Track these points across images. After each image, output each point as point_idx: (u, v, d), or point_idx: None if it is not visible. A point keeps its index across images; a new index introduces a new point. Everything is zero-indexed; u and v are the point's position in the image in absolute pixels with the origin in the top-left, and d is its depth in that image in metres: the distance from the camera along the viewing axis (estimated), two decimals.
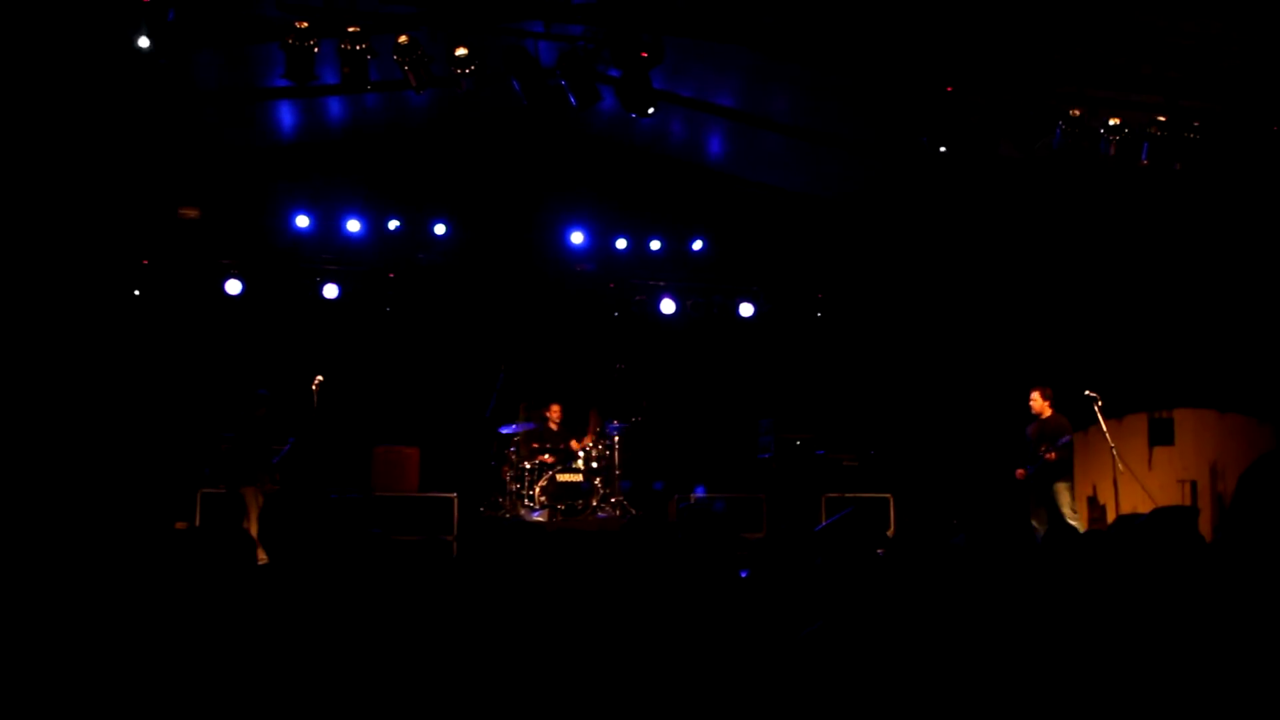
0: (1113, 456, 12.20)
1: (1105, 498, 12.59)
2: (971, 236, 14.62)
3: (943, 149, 10.42)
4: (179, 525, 12.15)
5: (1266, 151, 10.76)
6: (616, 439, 14.20)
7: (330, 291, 14.51)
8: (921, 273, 15.41)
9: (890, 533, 13.50)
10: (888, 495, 13.84)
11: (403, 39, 9.55)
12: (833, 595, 4.46)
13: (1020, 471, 12.51)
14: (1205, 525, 12.56)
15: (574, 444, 14.19)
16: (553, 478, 13.83)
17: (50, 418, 12.01)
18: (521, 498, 13.71)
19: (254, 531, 11.71)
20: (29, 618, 3.84)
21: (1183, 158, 10.72)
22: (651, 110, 10.28)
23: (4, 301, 11.76)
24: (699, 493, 14.52)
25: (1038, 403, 12.64)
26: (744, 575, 4.92)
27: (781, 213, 15.37)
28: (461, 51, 9.74)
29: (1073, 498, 12.49)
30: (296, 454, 12.52)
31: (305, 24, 9.23)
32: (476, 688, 3.60)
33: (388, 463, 13.27)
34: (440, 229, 14.71)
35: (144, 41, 8.84)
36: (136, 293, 13.70)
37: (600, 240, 15.25)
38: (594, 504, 13.85)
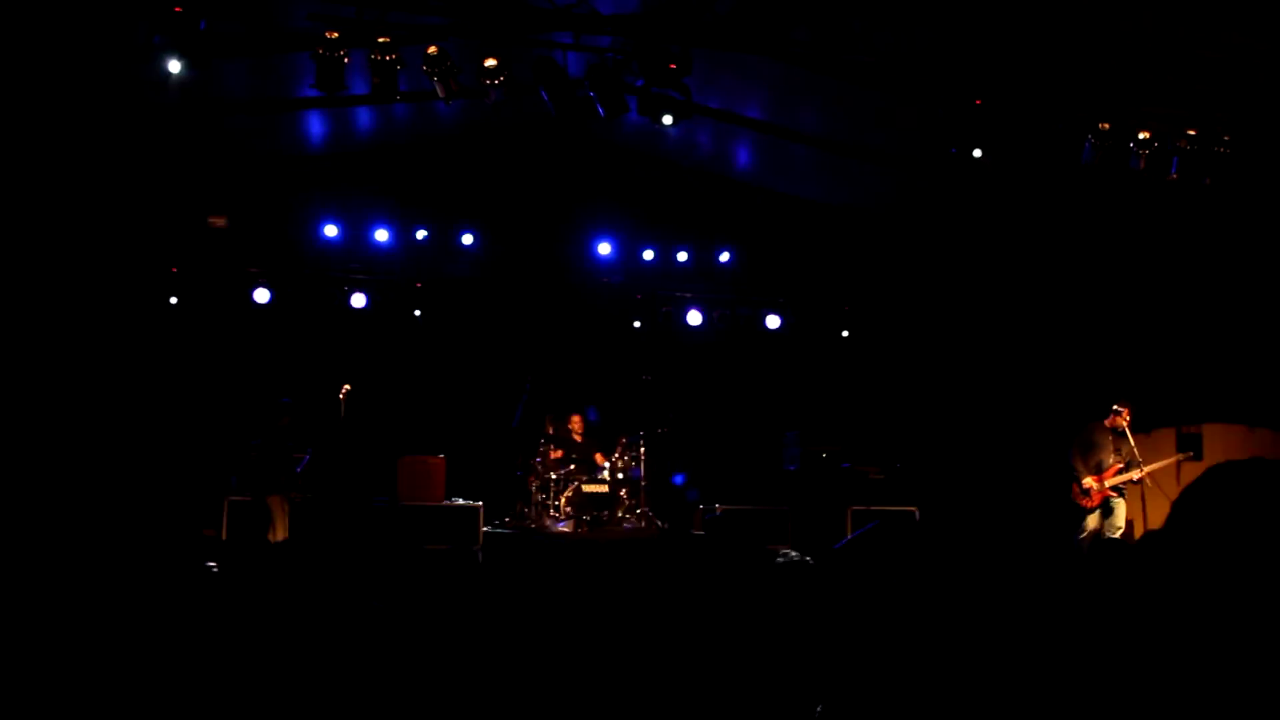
0: (1140, 471, 12.09)
1: (1133, 513, 12.46)
2: (998, 249, 14.57)
3: (978, 153, 10.34)
4: (206, 533, 12.20)
5: None
6: (642, 450, 14.19)
7: (358, 301, 14.57)
8: (948, 285, 15.36)
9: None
10: (913, 508, 13.76)
11: (432, 50, 9.57)
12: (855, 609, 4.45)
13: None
14: None
15: (598, 457, 14.20)
16: (578, 488, 13.85)
17: (80, 424, 12.10)
18: (547, 508, 13.73)
19: (278, 539, 11.82)
20: (57, 620, 3.86)
21: (1212, 172, 10.63)
22: (670, 120, 10.31)
23: (36, 309, 11.86)
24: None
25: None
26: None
27: (809, 224, 15.37)
28: (491, 62, 9.77)
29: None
30: (318, 464, 12.56)
31: (335, 34, 9.27)
32: (502, 695, 3.60)
33: (414, 472, 13.26)
34: (468, 239, 14.75)
35: (175, 66, 8.90)
36: (172, 300, 13.78)
37: (627, 251, 15.26)
38: (620, 514, 13.85)
